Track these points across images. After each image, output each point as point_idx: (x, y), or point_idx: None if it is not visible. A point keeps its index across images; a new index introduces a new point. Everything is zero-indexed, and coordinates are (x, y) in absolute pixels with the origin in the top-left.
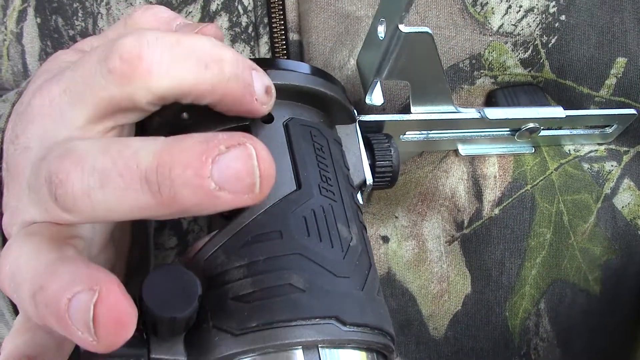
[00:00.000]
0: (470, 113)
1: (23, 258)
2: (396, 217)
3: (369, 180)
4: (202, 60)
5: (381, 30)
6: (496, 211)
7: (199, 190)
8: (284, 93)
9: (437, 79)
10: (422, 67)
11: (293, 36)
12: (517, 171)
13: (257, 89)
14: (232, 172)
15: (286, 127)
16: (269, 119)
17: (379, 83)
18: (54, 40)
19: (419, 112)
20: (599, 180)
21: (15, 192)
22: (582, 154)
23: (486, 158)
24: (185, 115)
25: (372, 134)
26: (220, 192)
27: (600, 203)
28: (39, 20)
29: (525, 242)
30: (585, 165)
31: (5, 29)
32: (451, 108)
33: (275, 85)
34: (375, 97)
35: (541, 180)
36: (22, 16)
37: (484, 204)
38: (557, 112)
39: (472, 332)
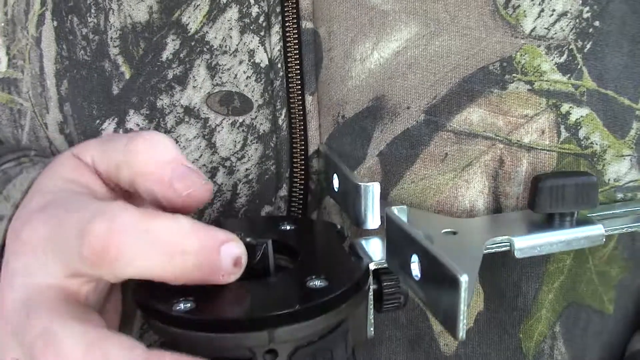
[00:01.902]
0: (497, 243)
1: None
2: None
3: (370, 334)
4: (167, 253)
5: None
6: None
7: None
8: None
9: None
10: None
11: (306, 24)
12: None
13: (224, 265)
14: None
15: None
16: (273, 357)
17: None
18: (68, 43)
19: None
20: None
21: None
22: (620, 184)
23: (512, 177)
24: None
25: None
26: None
27: None
28: (55, 23)
29: (544, 267)
30: (619, 195)
31: (27, 33)
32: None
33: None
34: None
35: None
36: (41, 20)
37: None
38: (596, 231)
39: (483, 350)
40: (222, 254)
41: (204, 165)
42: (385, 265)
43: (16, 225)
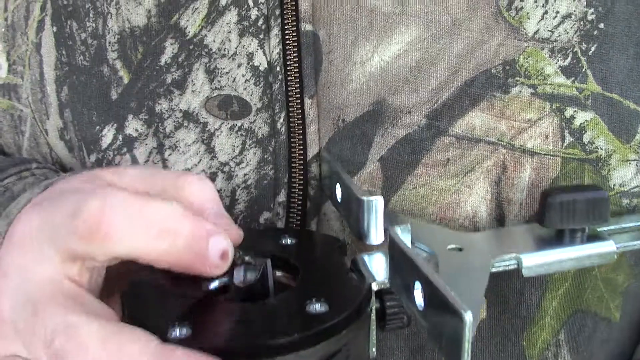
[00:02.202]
0: (505, 261)
1: None
2: None
3: (373, 354)
4: (157, 232)
5: None
6: None
7: None
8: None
9: None
10: None
11: (305, 27)
12: None
13: (211, 256)
14: None
15: None
16: None
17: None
18: (68, 48)
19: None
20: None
21: None
22: (625, 189)
23: (515, 182)
24: None
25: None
26: None
27: None
28: (55, 29)
29: (548, 274)
30: (625, 201)
31: (27, 38)
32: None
33: None
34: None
35: None
36: (40, 26)
37: None
38: (607, 248)
39: (486, 358)
40: (210, 245)
41: (203, 170)
42: (386, 285)
43: (13, 224)
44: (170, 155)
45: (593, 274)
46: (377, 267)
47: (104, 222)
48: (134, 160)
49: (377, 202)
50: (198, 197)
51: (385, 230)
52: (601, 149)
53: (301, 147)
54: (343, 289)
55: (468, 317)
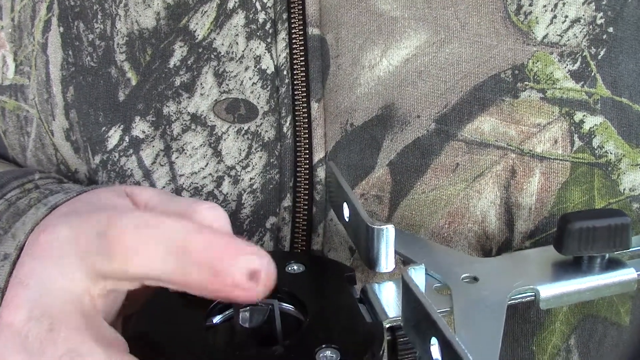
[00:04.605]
0: (522, 293)
1: None
2: None
3: None
4: (168, 251)
5: None
6: (527, 244)
7: None
8: None
9: None
10: None
11: (313, 30)
12: (557, 207)
13: (237, 275)
14: None
15: None
16: None
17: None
18: (74, 49)
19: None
20: None
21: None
22: (636, 194)
23: (524, 187)
24: None
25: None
26: None
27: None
28: (61, 29)
29: None
30: (635, 205)
31: (33, 39)
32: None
33: None
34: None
35: None
36: (47, 26)
37: (515, 235)
38: (628, 276)
39: None
40: (238, 264)
41: (210, 174)
42: (398, 321)
43: (36, 233)
44: (177, 158)
45: None
46: (388, 299)
47: (124, 241)
48: (140, 162)
49: (388, 232)
50: (211, 223)
51: (396, 256)
52: (611, 153)
53: (307, 151)
54: (355, 333)
55: None
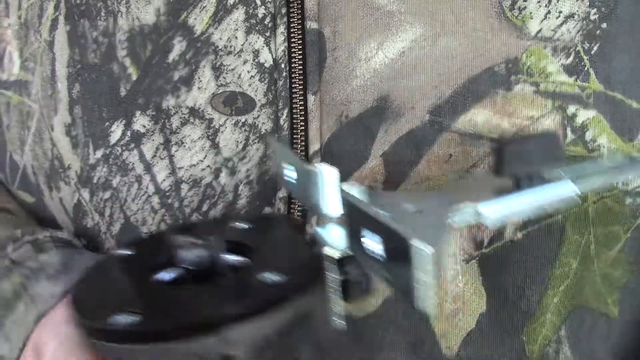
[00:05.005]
0: (464, 214)
1: None
2: None
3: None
4: None
5: None
6: (519, 235)
7: None
8: None
9: None
10: None
11: (311, 24)
12: None
13: None
14: None
15: None
16: None
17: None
18: (80, 46)
19: None
20: (636, 213)
21: None
22: (628, 188)
23: None
24: None
25: None
26: None
27: (629, 233)
28: (68, 27)
29: (550, 271)
30: (628, 200)
31: (40, 36)
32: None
33: None
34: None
35: (575, 210)
36: (54, 24)
37: (507, 226)
38: (566, 188)
39: (485, 351)
40: None
41: (209, 166)
42: (347, 253)
43: None
44: (176, 151)
45: (592, 269)
46: (337, 237)
47: None
48: (142, 156)
49: (327, 173)
50: None
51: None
52: (603, 147)
53: (303, 143)
54: (298, 260)
55: (414, 242)
